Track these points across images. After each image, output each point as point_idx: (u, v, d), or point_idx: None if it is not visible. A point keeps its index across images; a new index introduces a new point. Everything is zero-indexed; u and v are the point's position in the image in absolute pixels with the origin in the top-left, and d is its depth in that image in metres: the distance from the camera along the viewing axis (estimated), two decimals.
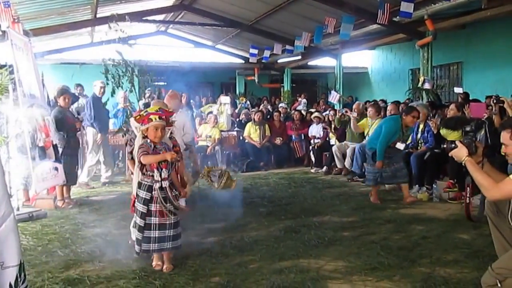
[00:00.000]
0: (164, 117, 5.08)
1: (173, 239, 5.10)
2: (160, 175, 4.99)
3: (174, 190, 5.16)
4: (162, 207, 4.99)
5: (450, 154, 4.32)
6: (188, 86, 16.23)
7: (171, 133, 5.84)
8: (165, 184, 5.02)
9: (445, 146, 4.42)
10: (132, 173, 5.89)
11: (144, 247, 5.03)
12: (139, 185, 5.08)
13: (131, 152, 5.66)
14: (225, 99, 15.69)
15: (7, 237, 2.59)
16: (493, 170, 4.29)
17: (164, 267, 5.11)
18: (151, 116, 4.99)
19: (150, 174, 5.00)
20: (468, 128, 4.49)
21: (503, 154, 4.22)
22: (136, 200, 5.12)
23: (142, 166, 5.01)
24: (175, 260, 5.28)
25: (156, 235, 5.01)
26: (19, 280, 2.66)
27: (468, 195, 6.85)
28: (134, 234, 5.43)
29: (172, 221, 5.07)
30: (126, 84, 9.35)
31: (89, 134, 10.62)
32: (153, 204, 5.01)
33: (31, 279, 4.67)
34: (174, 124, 5.93)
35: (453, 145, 4.27)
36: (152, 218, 5.00)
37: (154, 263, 5.17)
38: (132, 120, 5.23)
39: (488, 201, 4.55)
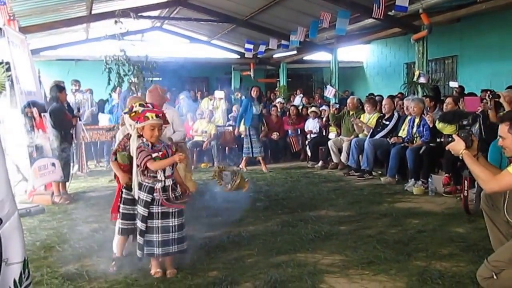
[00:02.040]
0: (161, 115, 4.75)
1: (178, 242, 4.78)
2: (164, 173, 4.69)
3: (176, 190, 4.84)
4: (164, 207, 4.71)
5: (447, 148, 4.34)
6: (183, 81, 16.24)
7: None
8: (169, 182, 4.73)
9: (442, 140, 4.45)
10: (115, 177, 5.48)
11: (148, 251, 4.73)
12: (140, 186, 4.76)
13: (114, 153, 5.23)
14: (219, 94, 15.71)
15: (12, 235, 2.61)
16: (488, 164, 4.33)
17: (168, 271, 4.83)
18: (148, 114, 4.63)
19: (152, 175, 4.68)
20: (465, 122, 4.51)
21: (499, 147, 4.25)
22: (136, 202, 4.83)
23: (145, 168, 4.65)
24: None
25: (160, 239, 4.70)
26: (23, 276, 2.68)
27: (465, 189, 6.92)
28: (115, 243, 5.34)
29: (176, 223, 4.76)
30: (126, 82, 9.41)
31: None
32: (154, 206, 4.69)
33: (31, 275, 4.69)
34: None
35: (450, 139, 4.29)
36: (154, 221, 4.68)
37: (153, 271, 4.83)
38: (126, 116, 4.80)
39: (483, 194, 4.58)
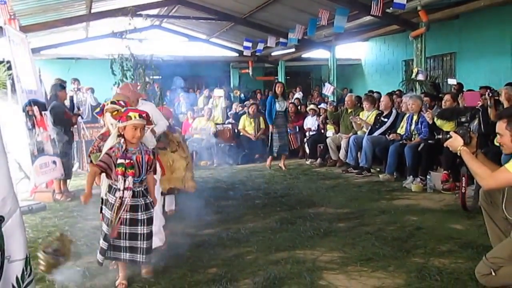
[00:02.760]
0: (145, 115, 4.45)
1: (146, 252, 4.50)
2: (124, 183, 4.37)
3: (147, 197, 4.56)
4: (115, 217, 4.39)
5: (445, 145, 4.36)
6: (182, 80, 16.26)
7: None
8: (127, 194, 4.37)
9: (440, 137, 4.46)
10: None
11: (114, 254, 4.49)
12: (109, 188, 4.49)
13: (89, 155, 5.08)
14: (218, 92, 15.72)
15: (14, 232, 2.63)
16: (487, 160, 4.34)
17: (143, 271, 4.75)
18: (130, 113, 4.38)
19: (116, 179, 4.39)
20: (463, 119, 4.53)
21: (497, 144, 4.26)
22: (105, 205, 4.53)
23: (106, 173, 4.42)
24: (171, 251, 5.36)
25: (127, 245, 4.46)
26: (25, 273, 2.70)
27: (463, 185, 6.93)
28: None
29: (145, 231, 4.49)
30: (129, 79, 9.44)
31: None
32: (122, 211, 4.39)
33: (33, 271, 4.71)
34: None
35: (448, 136, 4.31)
36: (122, 226, 4.41)
37: (118, 282, 4.57)
38: (108, 115, 4.62)
39: (482, 191, 4.59)
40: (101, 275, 4.83)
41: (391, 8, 12.03)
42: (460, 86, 12.44)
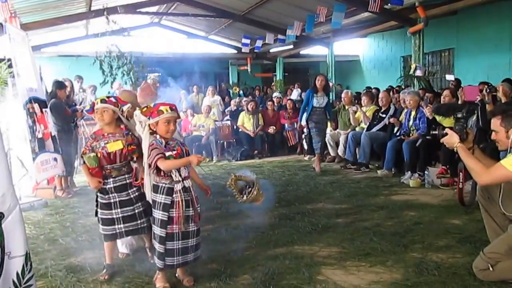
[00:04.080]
0: (174, 107, 4.32)
1: (195, 249, 4.43)
2: (180, 174, 4.25)
3: (192, 192, 4.40)
4: (181, 213, 4.25)
5: (441, 141, 4.39)
6: (182, 77, 16.30)
7: (127, 131, 4.97)
8: (188, 183, 4.33)
9: (436, 132, 4.49)
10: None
11: (168, 262, 4.31)
12: (155, 188, 4.31)
13: (81, 156, 4.79)
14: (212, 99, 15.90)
15: (14, 228, 2.65)
16: (483, 156, 4.37)
17: (185, 280, 4.52)
18: (161, 108, 4.22)
19: (168, 174, 4.23)
20: (459, 115, 4.55)
21: (493, 140, 4.29)
22: (152, 206, 4.36)
23: (158, 168, 4.21)
24: None
25: (180, 246, 4.31)
26: (25, 269, 2.72)
27: (461, 181, 6.95)
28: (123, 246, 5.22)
29: (195, 228, 4.39)
30: (119, 76, 9.45)
31: None
32: (174, 210, 4.25)
33: (35, 267, 4.70)
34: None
35: (444, 132, 4.33)
36: (175, 226, 4.26)
37: (158, 285, 4.42)
38: (137, 113, 4.34)
39: (479, 187, 4.62)
40: (103, 270, 4.86)
41: (389, 4, 12.06)
42: (458, 82, 12.46)
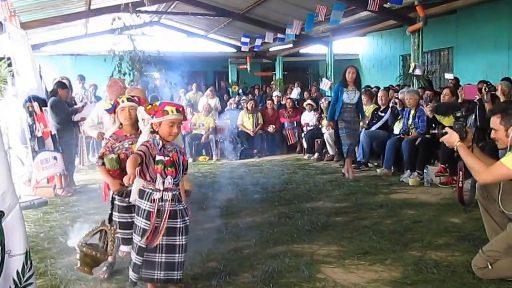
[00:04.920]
0: (181, 109, 4.03)
1: (181, 267, 4.07)
2: (163, 184, 3.88)
3: (182, 203, 4.10)
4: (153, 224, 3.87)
5: (441, 140, 4.39)
6: (181, 76, 16.29)
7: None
8: (167, 196, 3.90)
9: (435, 131, 4.50)
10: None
11: (146, 274, 3.97)
12: (141, 193, 3.99)
13: (101, 157, 4.50)
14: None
15: (14, 227, 2.66)
16: (483, 155, 4.38)
17: None
18: (167, 108, 3.92)
19: (153, 180, 3.90)
20: (458, 114, 4.55)
21: (493, 139, 4.30)
22: (136, 213, 4.05)
23: (141, 170, 3.88)
24: None
25: (163, 260, 3.96)
26: (25, 267, 2.72)
27: (460, 179, 6.95)
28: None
29: (183, 242, 4.04)
30: (128, 72, 9.49)
31: None
32: (159, 219, 3.89)
33: (35, 265, 4.71)
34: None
35: (443, 131, 4.34)
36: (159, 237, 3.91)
37: None
38: (141, 109, 4.11)
39: (479, 186, 4.63)
40: (103, 268, 4.87)
41: (388, 3, 12.04)
42: (457, 80, 12.46)
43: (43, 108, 8.44)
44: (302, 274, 4.55)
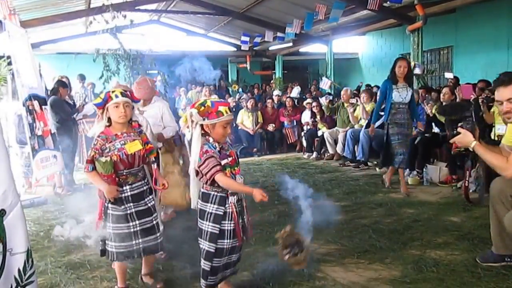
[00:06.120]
0: (228, 107, 3.80)
1: (234, 264, 4.07)
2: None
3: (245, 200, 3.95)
4: (238, 225, 3.81)
5: (453, 141, 4.30)
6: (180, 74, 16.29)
7: (140, 128, 4.33)
8: (241, 195, 3.86)
9: (447, 133, 4.47)
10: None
11: (210, 281, 3.88)
12: (205, 197, 3.80)
13: (91, 161, 4.02)
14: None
15: (15, 225, 2.66)
16: (492, 148, 4.31)
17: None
18: (221, 108, 3.70)
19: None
20: (467, 113, 4.52)
21: (503, 114, 4.18)
22: (200, 217, 3.84)
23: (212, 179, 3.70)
24: (171, 245, 5.37)
25: (225, 261, 3.90)
26: (27, 265, 2.73)
27: (467, 179, 6.97)
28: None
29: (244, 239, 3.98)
30: (122, 71, 9.48)
31: None
32: (226, 222, 3.77)
33: (35, 263, 4.76)
34: (144, 116, 5.17)
35: (455, 132, 4.28)
36: (225, 240, 3.79)
37: None
38: (194, 112, 3.70)
39: (496, 190, 4.56)
40: (102, 267, 4.89)
41: (388, 2, 12.04)
42: (456, 79, 12.47)
43: (43, 107, 8.45)
44: (302, 272, 4.55)
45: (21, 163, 8.51)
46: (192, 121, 3.75)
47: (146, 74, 11.44)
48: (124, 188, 4.08)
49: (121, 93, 4.08)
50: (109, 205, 4.08)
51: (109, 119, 4.12)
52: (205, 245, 3.79)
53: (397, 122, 7.87)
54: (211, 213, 3.75)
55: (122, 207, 4.07)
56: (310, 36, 18.12)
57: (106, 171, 3.94)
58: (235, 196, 3.78)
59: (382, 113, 10.41)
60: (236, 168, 3.79)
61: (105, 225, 4.14)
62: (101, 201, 4.24)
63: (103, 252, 4.14)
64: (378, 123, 10.37)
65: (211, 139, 3.73)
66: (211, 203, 3.75)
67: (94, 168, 3.99)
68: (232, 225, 3.77)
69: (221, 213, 3.75)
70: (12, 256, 2.66)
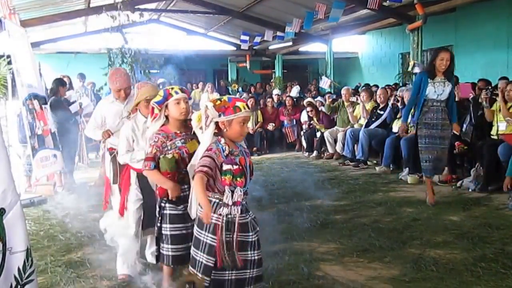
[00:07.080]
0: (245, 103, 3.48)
1: (256, 281, 3.51)
2: (232, 197, 3.33)
3: (249, 213, 3.51)
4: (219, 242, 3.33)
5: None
6: (181, 74, 16.34)
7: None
8: (236, 210, 3.35)
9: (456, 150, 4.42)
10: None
11: None
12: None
13: (152, 159, 3.87)
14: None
15: (15, 224, 2.66)
16: None
17: None
18: (238, 104, 3.40)
19: (220, 190, 3.36)
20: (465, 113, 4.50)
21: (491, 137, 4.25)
22: (198, 227, 3.49)
23: (207, 185, 3.34)
24: None
25: (233, 277, 3.41)
26: (27, 264, 2.73)
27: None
28: (119, 265, 4.51)
29: (256, 257, 3.49)
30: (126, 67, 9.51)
31: None
32: (230, 233, 3.35)
33: (35, 262, 4.75)
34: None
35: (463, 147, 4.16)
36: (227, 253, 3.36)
37: None
38: (209, 105, 3.39)
39: None
40: (102, 266, 4.89)
41: (387, 1, 12.04)
42: (456, 79, 12.47)
43: (43, 106, 8.45)
44: (302, 271, 4.58)
45: (23, 162, 8.53)
46: (207, 118, 3.42)
47: (149, 74, 11.50)
48: (185, 187, 3.92)
49: (180, 89, 3.98)
50: (167, 204, 3.95)
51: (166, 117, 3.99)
52: (202, 258, 3.41)
53: (427, 122, 6.88)
54: (211, 223, 3.35)
55: (181, 206, 3.92)
56: (310, 35, 18.11)
57: (170, 169, 3.82)
58: (226, 209, 3.34)
59: (382, 113, 10.50)
60: (239, 179, 3.36)
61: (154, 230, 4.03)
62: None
63: (158, 257, 4.05)
64: (377, 123, 10.42)
65: (222, 140, 3.40)
66: (211, 211, 3.30)
67: (156, 166, 3.85)
68: (211, 239, 3.39)
69: (219, 223, 3.36)
70: (12, 255, 2.66)
